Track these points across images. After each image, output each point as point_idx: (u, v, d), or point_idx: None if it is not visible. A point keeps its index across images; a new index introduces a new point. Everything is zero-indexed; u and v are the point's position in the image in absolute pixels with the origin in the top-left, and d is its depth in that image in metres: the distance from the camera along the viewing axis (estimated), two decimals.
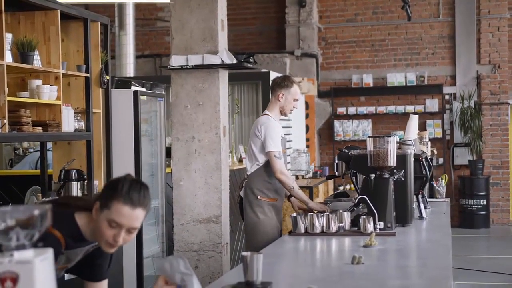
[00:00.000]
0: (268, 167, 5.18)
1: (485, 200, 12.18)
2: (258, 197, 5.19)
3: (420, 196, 5.11)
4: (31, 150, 8.62)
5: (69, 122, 5.27)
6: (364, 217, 4.23)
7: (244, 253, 2.75)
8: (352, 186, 11.53)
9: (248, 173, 5.29)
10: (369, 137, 4.47)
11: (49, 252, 1.80)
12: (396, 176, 4.48)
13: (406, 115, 12.41)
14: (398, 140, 5.25)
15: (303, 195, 5.18)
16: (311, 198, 9.03)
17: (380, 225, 4.28)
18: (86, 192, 5.61)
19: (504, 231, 12.11)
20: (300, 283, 2.93)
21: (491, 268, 8.71)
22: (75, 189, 5.41)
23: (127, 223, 2.54)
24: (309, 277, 3.13)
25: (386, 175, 4.41)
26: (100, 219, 2.56)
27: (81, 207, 2.69)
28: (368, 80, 12.81)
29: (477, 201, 12.16)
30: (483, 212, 12.19)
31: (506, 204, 12.56)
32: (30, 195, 5.86)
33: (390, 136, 4.43)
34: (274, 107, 5.30)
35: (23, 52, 4.80)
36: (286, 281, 3.03)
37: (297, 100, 5.33)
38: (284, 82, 5.30)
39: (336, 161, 5.20)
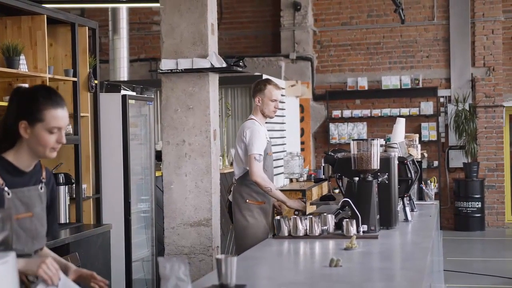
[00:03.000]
0: None
1: (480, 202, 12.19)
2: (247, 200, 5.30)
3: (406, 198, 5.12)
4: None
5: None
6: (347, 220, 4.24)
7: (218, 256, 2.77)
8: None
9: (236, 177, 5.40)
10: (353, 140, 4.49)
11: (11, 255, 1.82)
12: (379, 179, 4.49)
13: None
14: (383, 143, 5.27)
15: (280, 195, 5.27)
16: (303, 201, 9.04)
17: (364, 228, 4.28)
18: (74, 196, 5.63)
19: (499, 233, 12.11)
20: (275, 285, 2.95)
21: (485, 271, 8.72)
22: (63, 193, 5.42)
23: (64, 123, 2.74)
24: (285, 279, 3.15)
25: (370, 178, 4.42)
26: (36, 133, 2.69)
27: (3, 149, 2.75)
28: (363, 83, 12.83)
29: (472, 204, 12.16)
30: (478, 215, 12.20)
31: (501, 207, 12.57)
32: None
33: (373, 139, 4.44)
34: (256, 111, 5.46)
35: (8, 56, 4.83)
36: (261, 283, 3.04)
37: (275, 100, 5.42)
38: (258, 86, 5.46)
39: (323, 164, 5.23)
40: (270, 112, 5.40)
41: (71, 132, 5.58)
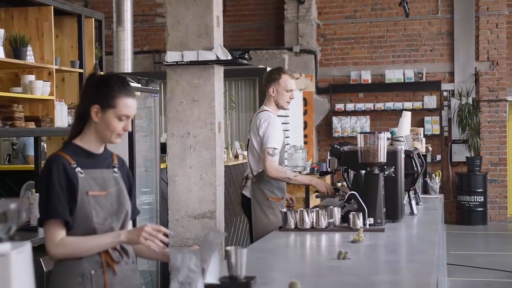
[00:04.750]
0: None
1: (482, 196, 12.19)
2: (269, 198, 5.11)
3: (411, 192, 5.12)
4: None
5: (62, 117, 5.29)
6: (354, 213, 4.24)
7: (228, 248, 2.77)
8: None
9: (254, 173, 5.17)
10: (360, 133, 4.48)
11: (27, 245, 1.83)
12: (386, 172, 4.49)
13: None
14: (390, 136, 5.26)
15: (303, 179, 5.14)
16: (307, 194, 9.02)
17: (370, 221, 4.28)
18: None
19: (501, 227, 12.13)
20: (284, 277, 2.95)
21: (487, 265, 8.73)
22: None
23: (133, 112, 2.86)
24: (294, 272, 3.15)
25: (376, 171, 4.42)
26: (106, 118, 2.82)
27: (73, 135, 2.90)
28: (367, 76, 12.83)
29: (474, 198, 12.18)
30: (481, 209, 12.21)
31: (504, 201, 12.58)
32: (25, 190, 5.88)
33: (380, 133, 4.44)
34: (270, 102, 5.24)
35: (15, 47, 4.83)
36: (270, 275, 3.05)
37: (290, 90, 5.20)
38: (272, 75, 5.24)
39: (329, 157, 5.20)
40: (284, 103, 5.21)
41: None
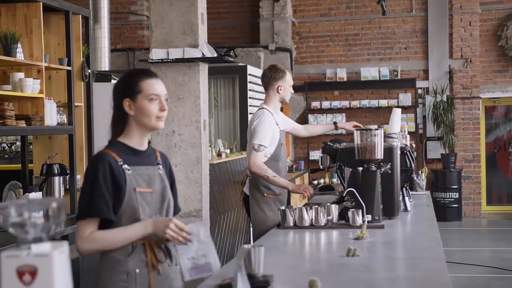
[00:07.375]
0: (271, 162, 5.10)
1: (457, 193, 12.32)
2: (265, 194, 5.15)
3: (404, 188, 5.14)
4: (4, 144, 8.52)
5: (52, 115, 5.21)
6: (353, 210, 4.24)
7: (246, 246, 2.74)
8: (328, 180, 11.52)
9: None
10: (357, 130, 4.49)
11: (65, 245, 1.78)
12: (383, 169, 4.50)
13: (379, 109, 12.53)
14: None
15: (281, 181, 5.11)
16: (288, 193, 8.99)
17: (368, 217, 4.29)
18: (68, 187, 5.55)
19: (475, 223, 12.27)
20: (300, 275, 2.93)
21: (463, 260, 8.82)
22: (57, 183, 5.34)
23: (161, 90, 2.86)
24: (307, 269, 3.14)
25: (374, 168, 4.42)
26: (139, 105, 2.82)
27: (116, 135, 2.90)
28: (342, 74, 12.86)
29: (449, 194, 12.29)
30: (455, 205, 12.33)
31: (478, 197, 12.72)
32: (9, 190, 5.77)
33: (377, 129, 4.45)
34: (272, 100, 5.28)
35: (6, 44, 4.73)
36: (286, 273, 3.02)
37: (291, 85, 5.37)
38: (278, 73, 5.26)
39: (321, 154, 5.19)
40: (288, 98, 5.34)
41: (66, 122, 5.50)
